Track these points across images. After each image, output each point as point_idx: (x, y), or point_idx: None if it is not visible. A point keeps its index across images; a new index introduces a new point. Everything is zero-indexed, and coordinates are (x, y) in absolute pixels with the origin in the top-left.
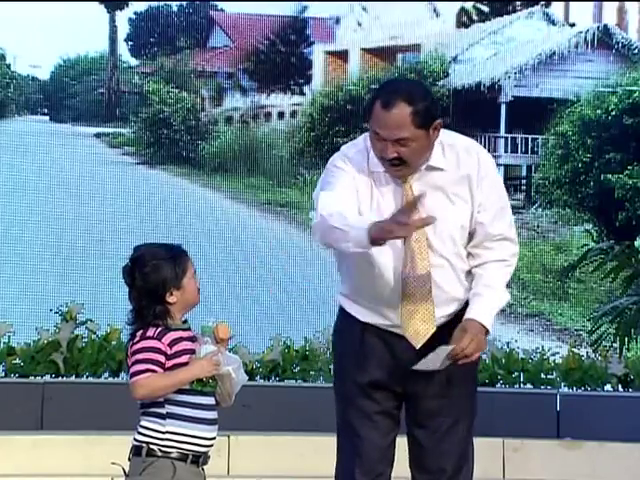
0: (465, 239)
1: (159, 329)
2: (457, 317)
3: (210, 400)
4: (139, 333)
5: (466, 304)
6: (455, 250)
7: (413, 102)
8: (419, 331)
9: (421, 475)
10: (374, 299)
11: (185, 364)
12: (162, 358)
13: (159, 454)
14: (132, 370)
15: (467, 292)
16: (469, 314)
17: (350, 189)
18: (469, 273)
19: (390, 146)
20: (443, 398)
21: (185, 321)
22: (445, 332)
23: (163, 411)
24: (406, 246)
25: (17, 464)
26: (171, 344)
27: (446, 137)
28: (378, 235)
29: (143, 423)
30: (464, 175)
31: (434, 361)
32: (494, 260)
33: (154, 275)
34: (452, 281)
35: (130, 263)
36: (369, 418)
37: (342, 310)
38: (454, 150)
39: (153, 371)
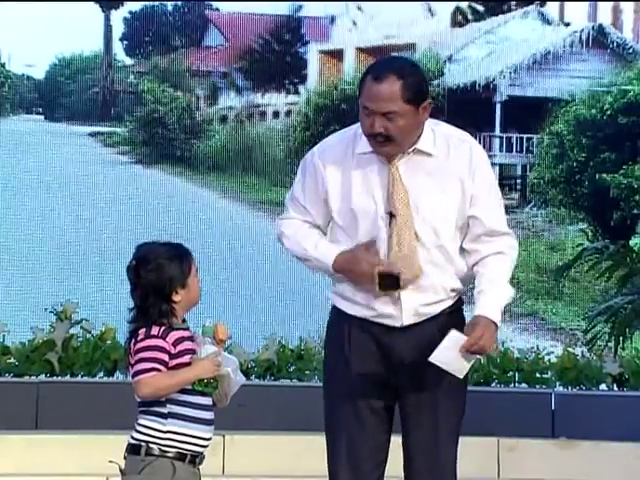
0: (450, 234)
1: (163, 328)
2: (450, 313)
3: (208, 400)
4: (142, 331)
5: (457, 300)
6: (437, 242)
7: (403, 76)
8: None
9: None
10: (357, 286)
11: (187, 364)
12: (166, 357)
13: (157, 453)
14: (136, 368)
15: (454, 282)
16: (476, 311)
17: (313, 204)
18: (458, 265)
19: (378, 120)
20: (433, 390)
21: (184, 320)
22: (433, 326)
23: (165, 410)
24: (392, 229)
25: (12, 463)
26: (175, 343)
27: (439, 127)
28: (342, 268)
29: (142, 422)
30: (455, 166)
31: (449, 356)
32: (493, 253)
33: (161, 273)
34: (434, 269)
35: (135, 262)
36: (356, 415)
37: (333, 306)
38: (446, 139)
39: (158, 370)
